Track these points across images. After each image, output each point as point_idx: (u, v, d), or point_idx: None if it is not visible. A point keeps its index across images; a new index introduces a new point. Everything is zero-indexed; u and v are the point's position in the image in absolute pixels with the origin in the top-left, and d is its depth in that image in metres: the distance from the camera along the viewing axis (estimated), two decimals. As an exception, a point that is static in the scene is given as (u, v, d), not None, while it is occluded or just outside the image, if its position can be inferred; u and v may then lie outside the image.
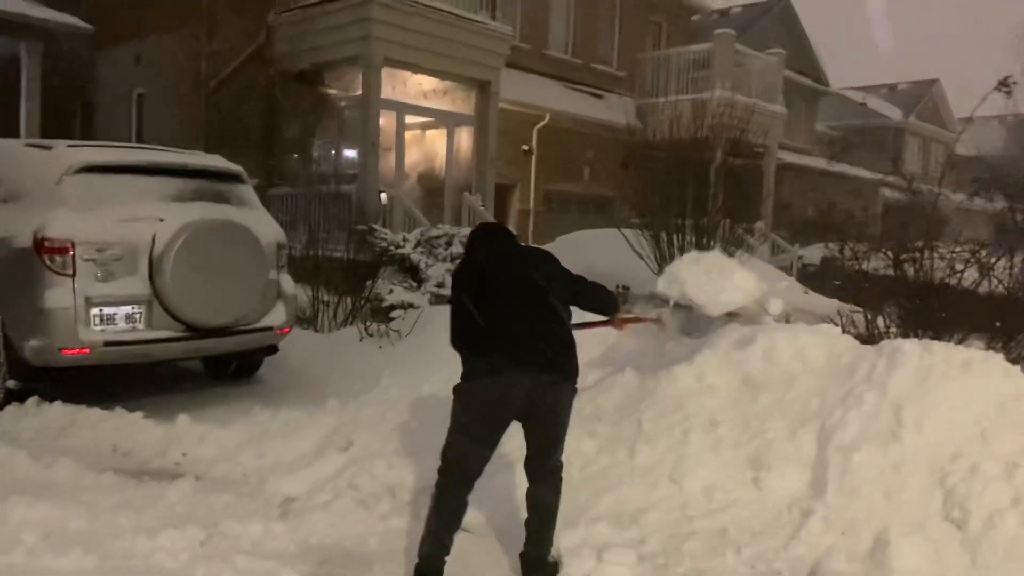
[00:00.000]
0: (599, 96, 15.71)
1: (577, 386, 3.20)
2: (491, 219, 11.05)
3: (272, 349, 6.05)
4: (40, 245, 4.83)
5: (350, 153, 11.46)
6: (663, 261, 7.90)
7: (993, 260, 6.31)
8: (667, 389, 4.39)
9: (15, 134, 11.60)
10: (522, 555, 3.23)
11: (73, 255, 4.85)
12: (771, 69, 16.99)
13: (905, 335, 6.11)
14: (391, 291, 7.83)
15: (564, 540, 3.40)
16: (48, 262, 4.82)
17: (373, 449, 4.44)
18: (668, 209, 9.12)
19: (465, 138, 12.30)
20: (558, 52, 15.55)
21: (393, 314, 7.54)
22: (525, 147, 14.15)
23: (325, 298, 7.71)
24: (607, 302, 3.62)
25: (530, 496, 3.21)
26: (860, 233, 11.46)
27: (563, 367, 3.13)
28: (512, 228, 3.93)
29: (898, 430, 3.65)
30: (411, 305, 7.69)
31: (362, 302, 7.64)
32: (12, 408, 4.97)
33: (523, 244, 3.70)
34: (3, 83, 12.42)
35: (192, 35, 12.07)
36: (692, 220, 9.10)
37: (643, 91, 16.04)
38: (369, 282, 7.92)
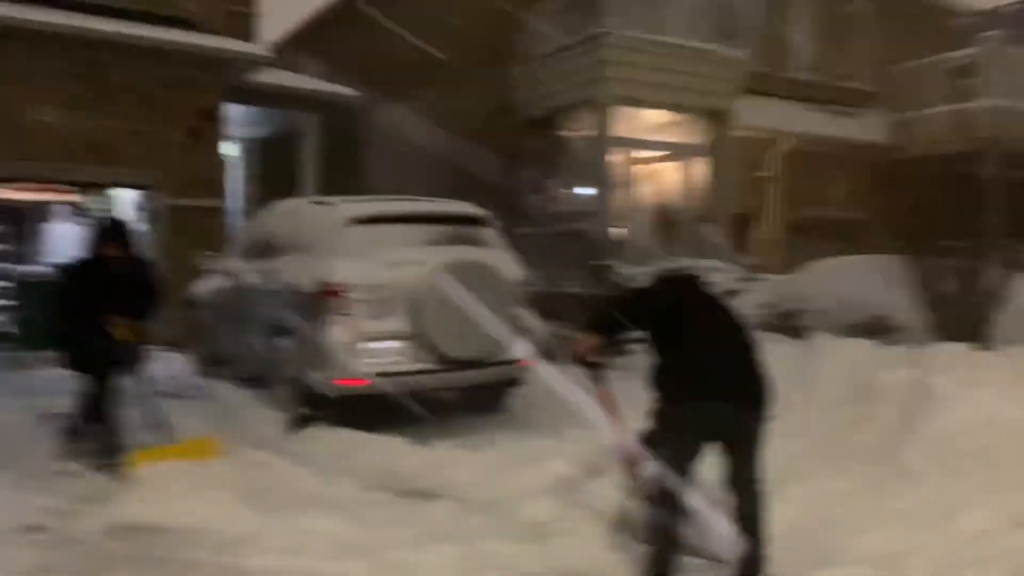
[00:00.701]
0: (847, 114, 14.81)
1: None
2: (729, 250, 10.81)
3: (517, 381, 6.38)
4: (324, 288, 5.54)
5: (585, 192, 11.81)
6: (928, 290, 7.25)
7: None
8: (936, 424, 4.05)
9: (297, 192, 13.39)
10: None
11: (350, 297, 5.50)
12: (1054, 69, 14.99)
13: None
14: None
15: (820, 578, 3.26)
16: (330, 303, 5.51)
17: (619, 479, 4.52)
18: (933, 231, 8.41)
19: (700, 169, 12.17)
20: (800, 72, 14.89)
21: (629, 348, 7.62)
22: (765, 173, 13.69)
23: (565, 333, 7.98)
24: None
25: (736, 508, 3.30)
26: None
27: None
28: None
29: None
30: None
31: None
32: (302, 432, 5.70)
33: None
34: (291, 147, 14.40)
35: (445, 94, 13.22)
36: (963, 242, 8.32)
37: (898, 105, 14.87)
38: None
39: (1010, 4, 19.79)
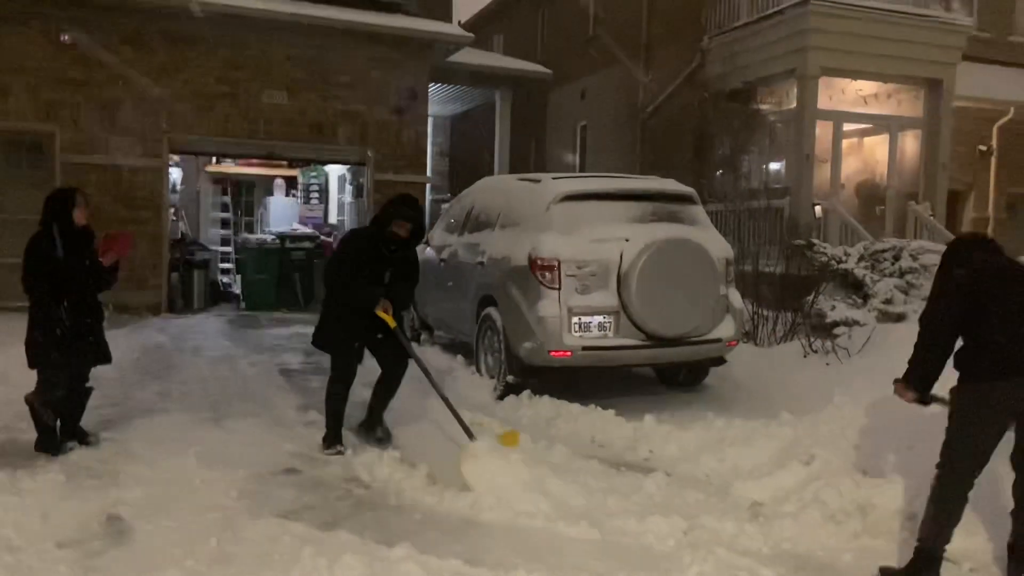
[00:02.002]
0: (1083, 81, 13.25)
1: None
2: (941, 229, 10.05)
3: (720, 360, 6.33)
4: (534, 263, 5.75)
5: (781, 167, 11.36)
6: None
7: None
8: None
9: (490, 166, 13.82)
10: (1011, 545, 3.23)
11: (559, 271, 5.67)
12: None
13: None
14: (833, 307, 7.61)
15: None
16: (540, 277, 5.71)
17: (836, 466, 4.41)
18: None
19: (910, 142, 11.36)
20: (1026, 36, 13.50)
21: (836, 331, 7.32)
22: (983, 147, 12.57)
23: (764, 313, 7.80)
24: None
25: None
26: None
27: None
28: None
29: None
30: (856, 322, 7.39)
31: (803, 318, 7.55)
32: (511, 399, 5.97)
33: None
34: (479, 124, 14.87)
35: (630, 68, 13.12)
36: None
37: None
38: (809, 297, 7.80)
39: None
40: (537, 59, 14.87)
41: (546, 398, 5.80)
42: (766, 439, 4.96)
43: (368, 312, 4.60)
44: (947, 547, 3.24)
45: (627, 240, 5.75)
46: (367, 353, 4.95)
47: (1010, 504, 3.29)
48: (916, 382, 3.30)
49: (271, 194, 13.34)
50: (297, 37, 9.94)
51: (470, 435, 4.45)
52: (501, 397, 6.06)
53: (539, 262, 5.74)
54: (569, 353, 5.69)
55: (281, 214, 12.79)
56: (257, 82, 9.98)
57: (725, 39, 11.38)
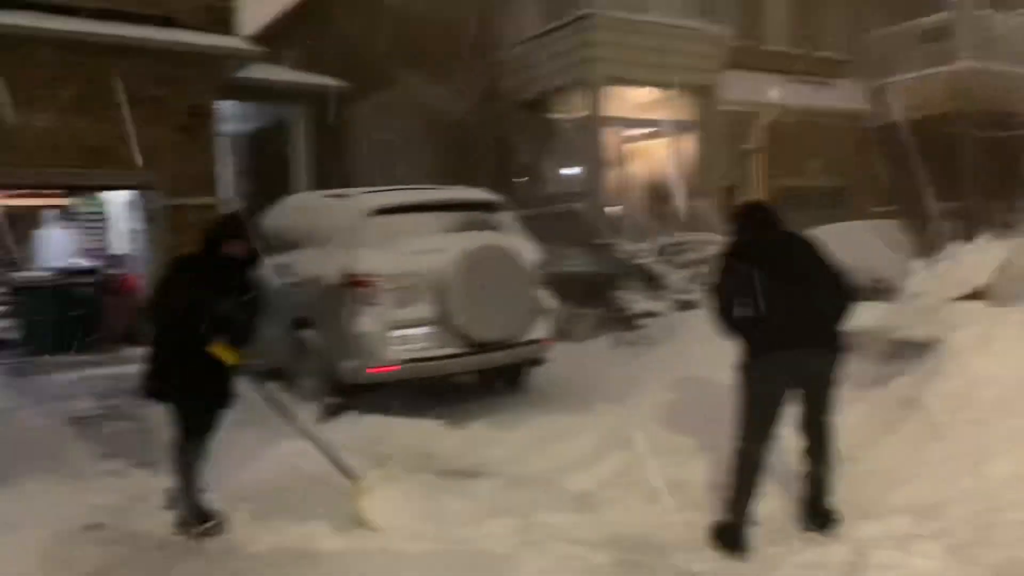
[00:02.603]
0: (825, 84, 15.06)
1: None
2: (721, 222, 11.01)
3: (539, 360, 6.54)
4: (349, 279, 5.65)
5: (578, 172, 11.95)
6: (925, 250, 7.51)
7: None
8: (956, 378, 4.28)
9: (294, 184, 13.36)
10: (803, 501, 3.64)
11: (376, 286, 5.61)
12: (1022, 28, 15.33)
13: None
14: (636, 301, 8.12)
15: (863, 531, 3.47)
16: (357, 293, 5.62)
17: (650, 448, 4.71)
18: (916, 195, 8.65)
19: (689, 144, 12.37)
20: (778, 45, 15.10)
21: (640, 322, 7.82)
22: (751, 146, 13.91)
23: (574, 311, 8.16)
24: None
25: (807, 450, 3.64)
26: None
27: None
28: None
29: None
30: (656, 313, 7.93)
31: (610, 312, 7.99)
32: (334, 421, 5.81)
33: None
34: (278, 141, 14.34)
35: (432, 80, 13.23)
36: (948, 204, 8.55)
37: (874, 72, 15.14)
38: (613, 293, 8.27)
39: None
40: (336, 72, 14.60)
41: (371, 416, 5.71)
42: (587, 431, 5.21)
43: (204, 350, 3.81)
44: (752, 511, 3.54)
45: (442, 250, 5.80)
46: None
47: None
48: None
49: (45, 226, 12.07)
50: (65, 55, 9.08)
51: (348, 473, 4.21)
52: (324, 420, 5.88)
53: (355, 278, 5.65)
54: (392, 368, 5.65)
55: (58, 248, 11.61)
56: (14, 104, 8.99)
57: (519, 51, 11.81)
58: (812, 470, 3.62)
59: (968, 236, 7.77)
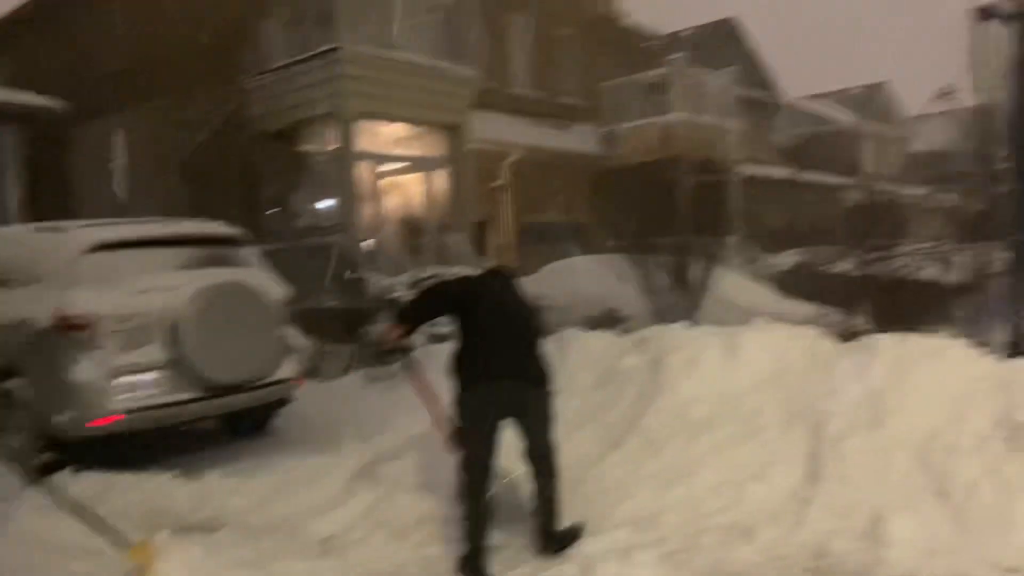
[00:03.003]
0: (566, 127, 16.24)
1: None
2: (472, 256, 11.41)
3: (285, 401, 6.30)
4: (64, 322, 5.08)
5: (331, 205, 11.79)
6: (647, 282, 8.29)
7: (951, 252, 6.76)
8: (669, 398, 4.74)
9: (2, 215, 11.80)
10: (536, 530, 3.80)
11: (97, 328, 5.10)
12: (725, 87, 17.64)
13: (880, 331, 6.54)
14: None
15: (590, 547, 3.71)
16: (74, 337, 5.07)
17: (399, 485, 4.71)
18: (642, 231, 9.51)
19: (441, 180, 12.69)
20: (523, 89, 16.08)
21: (393, 357, 7.81)
22: (499, 183, 14.57)
23: (326, 348, 7.98)
24: None
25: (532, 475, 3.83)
26: (828, 237, 11.98)
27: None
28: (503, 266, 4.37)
29: (882, 417, 4.02)
30: (410, 348, 7.97)
31: (363, 348, 7.92)
32: (49, 481, 5.16)
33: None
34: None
35: (170, 105, 12.41)
36: (669, 240, 9.49)
37: (606, 119, 16.59)
38: (365, 328, 8.21)
39: (687, 30, 22.89)
40: (55, 92, 13.18)
41: (92, 472, 5.15)
42: (334, 471, 5.08)
43: None
44: (487, 539, 3.64)
45: (174, 288, 5.41)
46: None
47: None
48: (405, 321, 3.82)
49: None
50: None
51: (119, 539, 3.68)
52: (32, 481, 5.20)
53: (71, 320, 5.09)
54: (115, 418, 5.14)
55: None
56: None
57: (266, 80, 11.44)
58: (540, 495, 3.80)
59: (681, 268, 8.74)
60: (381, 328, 3.96)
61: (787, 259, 13.42)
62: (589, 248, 12.43)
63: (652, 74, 16.53)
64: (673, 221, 12.26)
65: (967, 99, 5.03)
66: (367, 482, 4.83)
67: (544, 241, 15.28)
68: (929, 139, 23.83)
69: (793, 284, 11.45)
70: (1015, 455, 3.57)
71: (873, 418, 4.02)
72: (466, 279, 4.02)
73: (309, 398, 6.97)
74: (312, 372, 7.61)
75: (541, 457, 3.80)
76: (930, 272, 6.86)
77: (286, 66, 11.10)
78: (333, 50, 10.45)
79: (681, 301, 8.16)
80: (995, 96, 4.69)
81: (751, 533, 3.73)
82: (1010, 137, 4.62)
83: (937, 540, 3.43)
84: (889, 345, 4.27)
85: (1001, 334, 4.92)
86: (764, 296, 9.58)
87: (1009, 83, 4.65)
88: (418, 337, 3.90)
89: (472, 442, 3.66)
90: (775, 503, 3.95)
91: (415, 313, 3.85)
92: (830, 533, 3.64)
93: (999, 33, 4.65)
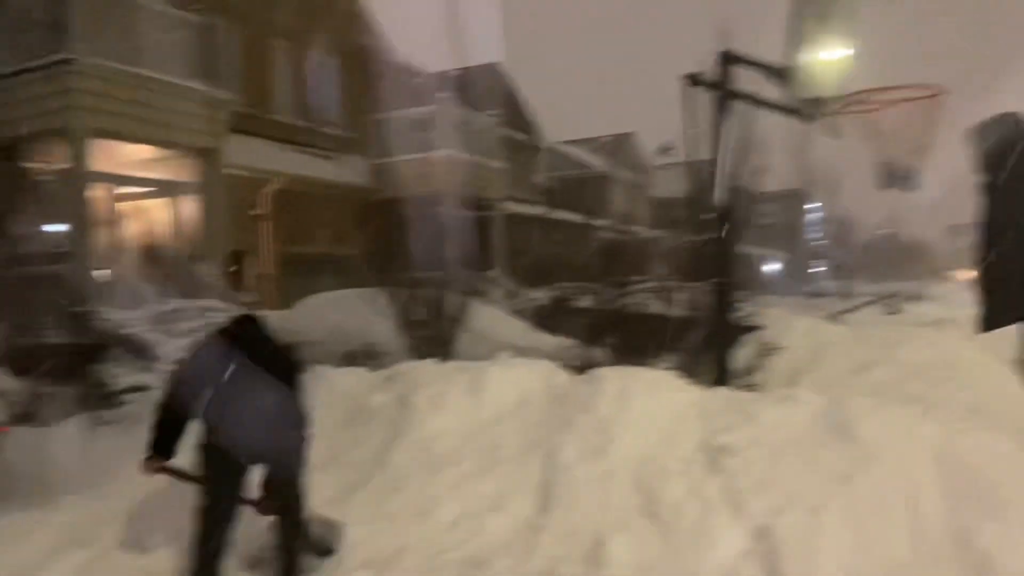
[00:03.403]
0: (331, 158, 16.01)
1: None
2: (225, 289, 10.81)
3: (-14, 452, 5.53)
4: None
5: (61, 230, 10.63)
6: (405, 316, 8.32)
7: (675, 290, 7.48)
8: (415, 433, 4.77)
9: None
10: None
11: None
12: (490, 128, 18.39)
13: (617, 362, 7.07)
14: (120, 375, 7.44)
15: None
16: None
17: (122, 540, 4.30)
18: (406, 265, 9.57)
19: (192, 207, 11.94)
20: (286, 116, 15.67)
21: (125, 399, 7.17)
22: (257, 212, 14.00)
23: (44, 389, 7.13)
24: None
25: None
26: (580, 273, 12.82)
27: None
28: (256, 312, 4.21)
29: (606, 445, 4.32)
30: (145, 387, 7.36)
31: (90, 388, 7.17)
32: None
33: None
34: None
35: None
36: (430, 274, 9.62)
37: (374, 152, 16.59)
38: (94, 367, 7.47)
39: (454, 70, 23.62)
40: None
41: None
42: (42, 529, 4.53)
43: None
44: None
45: None
46: None
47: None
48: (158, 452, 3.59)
49: None
50: None
51: None
52: None
53: None
54: None
55: None
56: None
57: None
58: (280, 545, 3.67)
59: (440, 303, 8.89)
60: (139, 464, 3.60)
61: (543, 294, 14.14)
62: (354, 281, 12.28)
63: (420, 110, 16.82)
64: (437, 255, 12.51)
65: (683, 155, 5.67)
66: (81, 539, 4.35)
67: (308, 273, 14.88)
68: (666, 187, 26.42)
69: (547, 318, 12.07)
70: (714, 476, 3.98)
71: (598, 446, 4.31)
72: (202, 352, 3.73)
73: (19, 447, 6.18)
74: (24, 417, 6.77)
75: (285, 507, 3.67)
76: (657, 307, 7.56)
77: (9, 75, 9.91)
78: (66, 61, 9.50)
79: (438, 336, 8.27)
80: (702, 153, 5.29)
81: (485, 565, 3.83)
82: (712, 192, 5.22)
83: (648, 558, 3.73)
84: (613, 377, 4.62)
85: (708, 365, 5.51)
86: (518, 330, 9.99)
87: (712, 143, 5.26)
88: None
89: (212, 491, 3.47)
90: (510, 533, 4.10)
91: (161, 438, 3.57)
92: (558, 559, 3.84)
93: (705, 98, 5.27)
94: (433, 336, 8.15)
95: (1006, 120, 4.19)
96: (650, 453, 4.22)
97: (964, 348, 6.71)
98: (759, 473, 3.84)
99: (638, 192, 33.00)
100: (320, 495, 4.43)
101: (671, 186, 22.20)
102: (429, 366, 5.48)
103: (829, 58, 4.86)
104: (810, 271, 37.91)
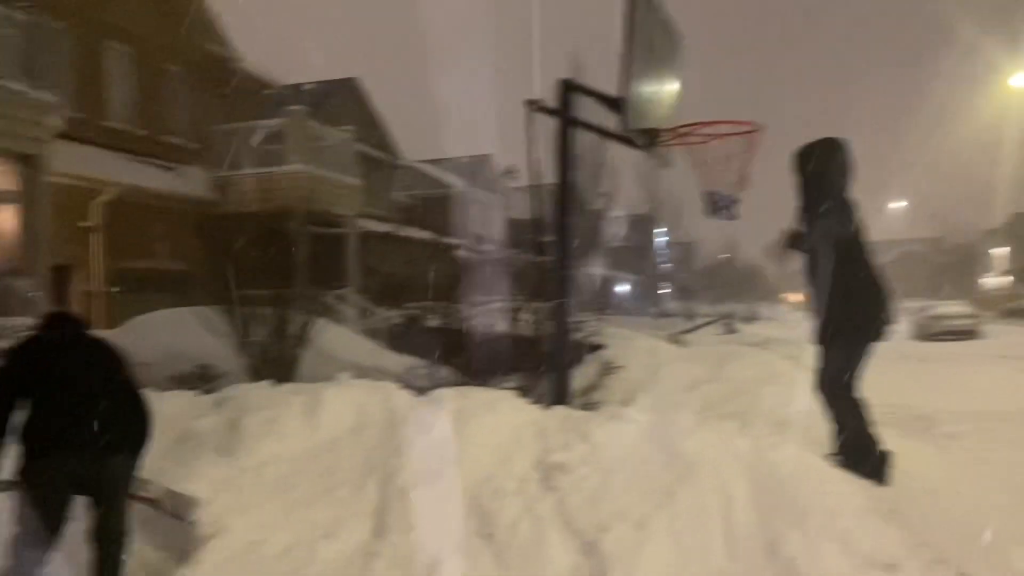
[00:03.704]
0: (171, 168, 15.20)
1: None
2: (49, 305, 9.97)
3: None
4: None
5: None
6: (243, 336, 7.96)
7: (522, 309, 7.60)
8: (247, 459, 4.55)
9: None
10: None
11: None
12: (344, 143, 18.07)
13: (463, 382, 7.08)
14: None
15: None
16: None
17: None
18: (249, 282, 9.20)
19: (9, 217, 10.97)
20: (120, 123, 14.75)
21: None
22: (86, 224, 13.06)
23: None
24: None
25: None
26: (434, 292, 12.78)
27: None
28: (77, 313, 3.91)
29: (443, 467, 4.29)
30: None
31: None
32: None
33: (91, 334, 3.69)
34: None
35: None
36: (275, 292, 9.28)
37: (219, 164, 15.90)
38: None
39: (308, 83, 23.14)
40: None
41: None
42: None
43: None
44: None
45: None
46: None
47: None
48: None
49: None
50: None
51: None
52: None
53: None
54: None
55: None
56: None
57: None
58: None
59: (284, 322, 8.59)
60: None
61: (396, 313, 14.00)
62: (192, 299, 11.66)
63: (269, 123, 16.29)
64: (285, 273, 12.08)
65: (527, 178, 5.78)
66: None
67: (143, 290, 14.00)
68: (521, 208, 26.93)
69: (399, 338, 11.95)
70: (548, 493, 4.04)
71: (436, 469, 4.27)
72: (12, 352, 3.43)
73: None
74: None
75: (109, 540, 3.40)
76: (505, 327, 7.64)
77: None
78: None
79: (279, 357, 7.98)
80: (546, 177, 5.42)
81: (316, 596, 3.69)
82: (554, 216, 5.36)
83: (482, 579, 3.73)
84: (452, 398, 4.61)
85: (549, 385, 5.62)
86: (366, 350, 9.82)
87: (554, 168, 5.40)
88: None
89: (34, 519, 3.17)
90: (343, 560, 3.97)
91: None
92: (391, 586, 3.76)
93: (547, 123, 5.41)
94: (274, 357, 7.85)
95: (826, 144, 4.52)
96: (487, 474, 4.23)
97: (784, 365, 7.22)
98: (590, 490, 3.94)
99: (493, 212, 33.49)
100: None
101: (525, 207, 22.65)
102: (263, 389, 5.26)
103: (658, 91, 5.12)
104: (658, 292, 39.76)
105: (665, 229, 38.34)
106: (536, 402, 4.92)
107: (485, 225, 30.62)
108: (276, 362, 7.86)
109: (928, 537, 3.68)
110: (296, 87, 23.27)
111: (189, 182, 15.25)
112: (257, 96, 19.60)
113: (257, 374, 7.42)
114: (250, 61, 18.69)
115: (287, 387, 5.28)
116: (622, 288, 41.13)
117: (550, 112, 5.19)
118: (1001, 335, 29.10)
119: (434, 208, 27.97)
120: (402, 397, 5.06)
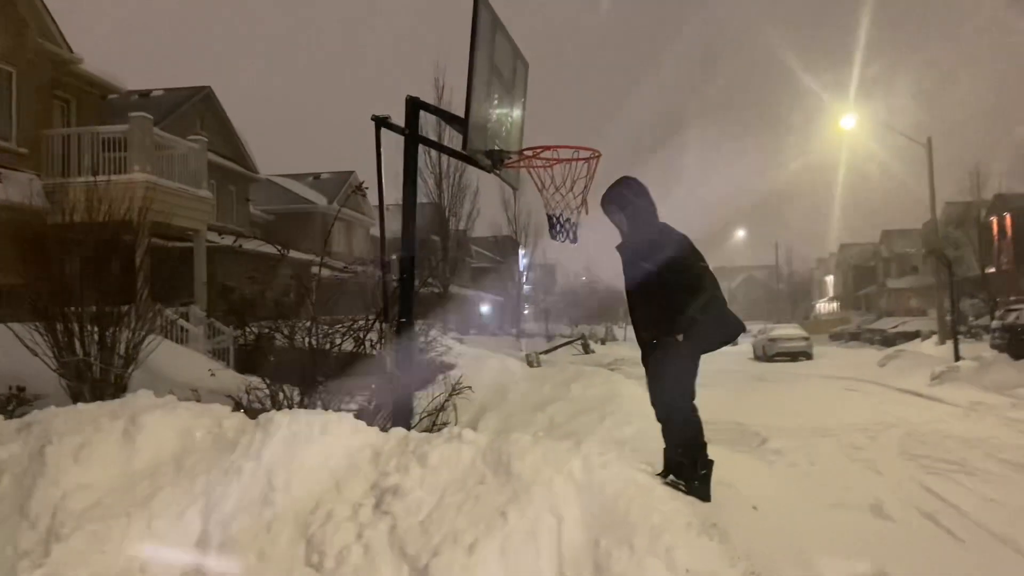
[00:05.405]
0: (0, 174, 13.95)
1: None
2: None
3: None
4: None
5: None
6: (64, 355, 7.36)
7: (364, 328, 7.43)
8: (48, 492, 4.15)
9: None
10: None
11: None
12: (194, 154, 17.21)
13: (305, 403, 6.82)
14: None
15: None
16: None
17: None
18: (78, 298, 8.55)
19: None
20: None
21: None
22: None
23: None
24: None
25: None
26: (286, 310, 12.29)
27: None
28: None
29: (270, 494, 4.08)
30: None
31: None
32: None
33: None
34: None
35: None
36: (107, 307, 8.67)
37: (51, 170, 14.73)
38: None
39: (157, 90, 21.99)
40: None
41: None
42: None
43: None
44: None
45: None
46: None
47: None
48: None
49: None
50: None
51: None
52: None
53: None
54: None
55: None
56: None
57: None
58: None
59: (114, 340, 8.02)
60: None
61: (245, 331, 13.37)
62: (13, 315, 10.67)
63: (109, 129, 15.28)
64: (121, 288, 11.30)
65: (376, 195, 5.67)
66: None
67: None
68: (389, 227, 26.56)
69: (245, 357, 11.43)
70: (381, 519, 3.91)
71: (262, 496, 4.06)
72: None
73: None
74: None
75: None
76: (351, 346, 7.44)
77: None
78: None
79: (105, 377, 7.42)
80: (395, 195, 5.34)
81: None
82: (402, 235, 5.28)
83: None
84: (283, 421, 4.40)
85: (392, 406, 5.50)
86: (204, 369, 9.32)
87: (403, 186, 5.33)
88: None
89: None
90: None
91: None
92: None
93: (396, 140, 5.33)
94: (98, 379, 7.29)
95: (624, 183, 4.72)
96: (318, 500, 4.05)
97: (628, 385, 7.42)
98: (423, 514, 3.85)
99: (360, 229, 32.90)
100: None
101: (389, 225, 22.40)
102: (76, 412, 4.84)
103: (507, 113, 5.17)
104: (520, 313, 40.35)
105: (526, 251, 39.05)
106: (376, 424, 4.79)
107: (346, 242, 30.04)
108: (101, 384, 7.31)
109: (747, 549, 3.84)
110: (144, 93, 22.04)
111: (15, 189, 14.01)
112: (100, 100, 18.40)
113: (79, 397, 6.87)
114: (91, 64, 17.51)
115: (104, 410, 4.88)
116: (485, 308, 41.44)
117: (396, 129, 5.12)
118: (829, 356, 31.56)
119: (292, 224, 27.14)
120: (233, 420, 4.79)
